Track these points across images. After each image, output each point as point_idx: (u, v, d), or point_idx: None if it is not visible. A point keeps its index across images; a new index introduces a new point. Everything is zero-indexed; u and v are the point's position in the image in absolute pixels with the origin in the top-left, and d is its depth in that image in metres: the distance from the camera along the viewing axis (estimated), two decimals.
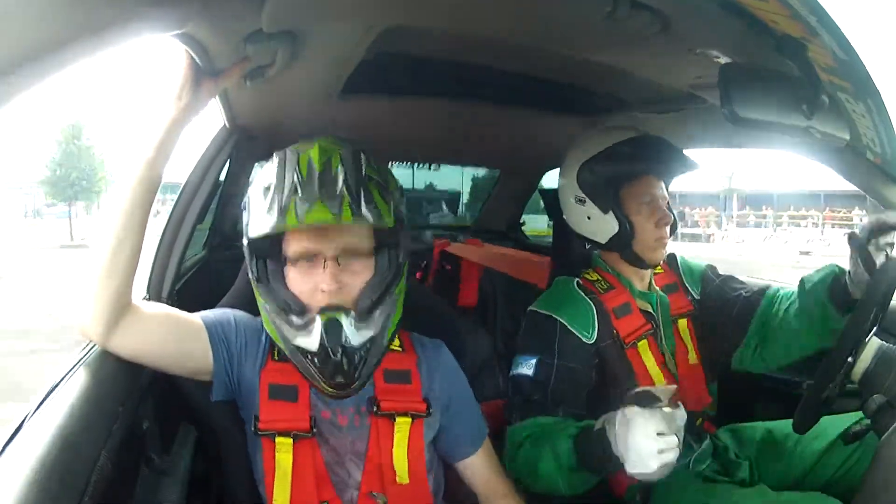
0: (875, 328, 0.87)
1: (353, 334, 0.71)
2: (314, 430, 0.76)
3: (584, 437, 0.83)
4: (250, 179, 0.77)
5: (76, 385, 0.65)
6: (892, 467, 0.67)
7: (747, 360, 1.07)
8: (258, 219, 0.70)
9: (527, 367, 0.98)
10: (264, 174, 0.74)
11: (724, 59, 0.73)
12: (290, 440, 0.75)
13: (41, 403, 0.59)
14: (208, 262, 1.68)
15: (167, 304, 1.01)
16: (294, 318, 0.72)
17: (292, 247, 0.73)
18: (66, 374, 0.67)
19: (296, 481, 0.75)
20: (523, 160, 1.92)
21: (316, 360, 0.71)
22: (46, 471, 0.49)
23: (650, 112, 1.30)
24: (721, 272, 1.16)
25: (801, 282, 0.97)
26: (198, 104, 0.73)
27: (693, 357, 1.08)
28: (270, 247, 0.75)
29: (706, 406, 1.09)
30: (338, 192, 0.68)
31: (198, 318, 0.79)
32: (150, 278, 1.05)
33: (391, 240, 0.77)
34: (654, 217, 1.01)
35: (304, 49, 0.83)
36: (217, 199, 1.67)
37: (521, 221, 2.24)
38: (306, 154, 0.71)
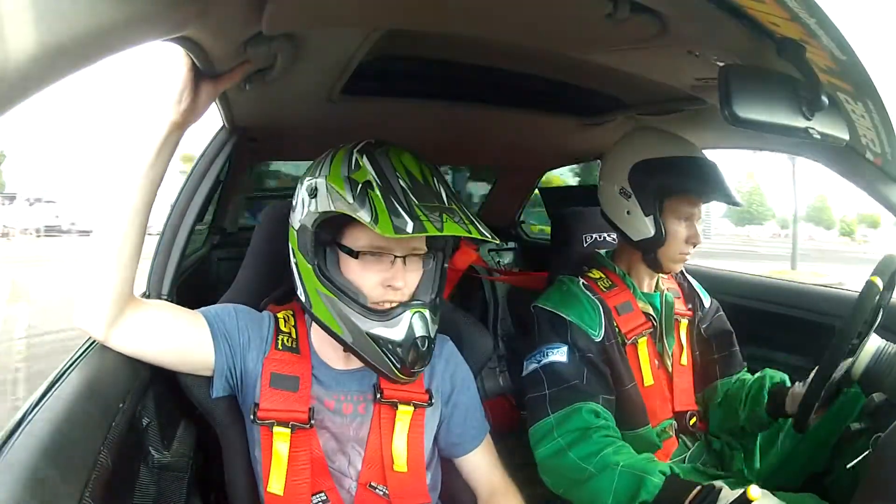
0: (875, 326, 0.87)
1: (431, 328, 0.75)
2: (312, 421, 0.77)
3: (674, 481, 0.81)
4: (309, 179, 0.76)
5: (77, 381, 0.65)
6: (892, 466, 0.67)
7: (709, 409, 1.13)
8: (369, 215, 0.66)
9: (559, 354, 0.99)
10: (343, 167, 0.73)
11: (723, 61, 0.73)
12: (288, 430, 0.77)
13: (41, 399, 0.59)
14: (208, 259, 1.68)
15: (167, 301, 1.01)
16: (372, 308, 0.73)
17: (362, 241, 0.74)
18: (67, 371, 0.68)
19: (291, 471, 0.76)
20: (523, 161, 1.91)
21: (399, 349, 0.73)
22: (46, 467, 0.49)
23: (650, 114, 1.30)
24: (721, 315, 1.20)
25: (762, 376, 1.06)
26: (198, 107, 0.73)
27: (685, 359, 1.11)
28: (328, 235, 0.75)
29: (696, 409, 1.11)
30: (455, 206, 0.71)
31: (199, 313, 0.79)
32: (150, 276, 1.05)
33: (442, 245, 0.81)
34: (687, 234, 1.03)
35: (304, 52, 0.83)
36: (217, 199, 1.68)
37: (522, 220, 2.25)
38: (398, 159, 0.73)
